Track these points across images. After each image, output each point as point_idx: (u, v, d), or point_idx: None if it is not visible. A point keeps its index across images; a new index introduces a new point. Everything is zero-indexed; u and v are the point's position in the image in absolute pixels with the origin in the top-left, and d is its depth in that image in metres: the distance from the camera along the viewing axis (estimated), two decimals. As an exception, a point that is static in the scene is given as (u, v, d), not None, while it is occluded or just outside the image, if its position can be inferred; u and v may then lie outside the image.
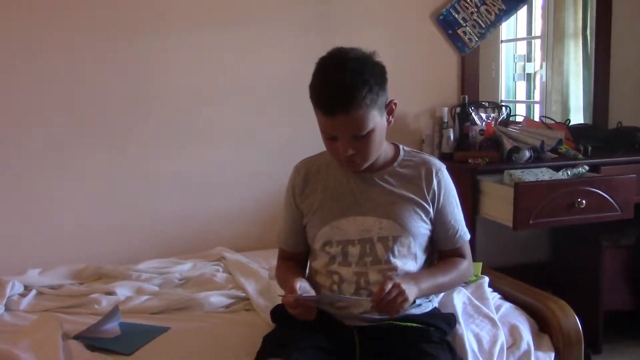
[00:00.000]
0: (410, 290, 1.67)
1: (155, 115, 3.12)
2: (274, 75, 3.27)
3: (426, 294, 1.83)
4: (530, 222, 2.86)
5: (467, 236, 1.93)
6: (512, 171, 3.04)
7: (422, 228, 1.84)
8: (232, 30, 3.17)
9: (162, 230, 3.14)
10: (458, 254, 1.91)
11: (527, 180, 2.92)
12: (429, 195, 1.83)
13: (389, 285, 1.63)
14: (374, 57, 1.73)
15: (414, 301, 1.82)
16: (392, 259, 1.80)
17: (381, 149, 1.80)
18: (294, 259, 1.98)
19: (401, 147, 1.92)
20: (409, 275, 1.78)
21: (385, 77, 1.73)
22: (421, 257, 1.86)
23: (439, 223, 1.86)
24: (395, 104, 1.78)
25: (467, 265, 1.92)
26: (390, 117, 1.78)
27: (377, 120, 1.69)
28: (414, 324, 1.81)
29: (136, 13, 3.02)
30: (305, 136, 3.21)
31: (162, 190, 3.14)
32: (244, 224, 3.29)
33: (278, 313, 1.90)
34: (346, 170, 1.85)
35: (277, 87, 3.28)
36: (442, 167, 1.89)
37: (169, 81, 3.10)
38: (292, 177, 1.94)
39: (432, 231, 1.87)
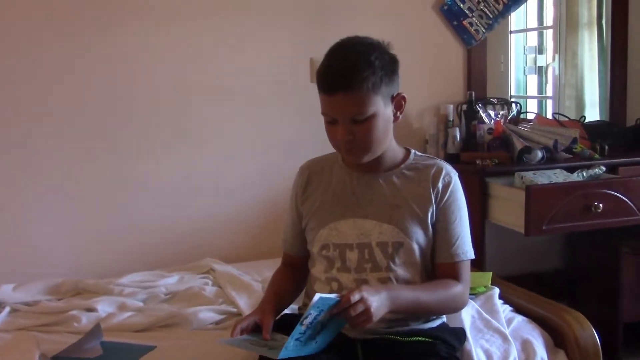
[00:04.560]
0: (380, 306, 1.64)
1: (138, 116, 3.12)
2: (268, 72, 3.28)
3: (401, 312, 1.77)
4: (543, 227, 2.86)
5: (469, 255, 1.87)
6: (523, 173, 3.04)
7: (426, 236, 1.84)
8: (223, 23, 3.18)
9: (146, 241, 3.14)
10: (453, 273, 1.84)
11: (539, 183, 2.92)
12: (433, 195, 1.83)
13: (356, 297, 1.60)
14: (388, 47, 1.80)
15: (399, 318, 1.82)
16: (392, 266, 1.81)
17: (385, 143, 1.81)
18: (296, 265, 2.00)
19: (413, 151, 1.93)
20: (386, 287, 1.75)
21: (395, 69, 1.79)
22: (425, 269, 1.86)
23: (437, 228, 1.85)
24: (404, 98, 1.82)
25: (460, 290, 1.83)
26: (399, 112, 1.82)
27: (379, 107, 1.73)
28: (421, 338, 1.81)
29: (117, 5, 3.02)
30: (303, 137, 3.28)
31: (145, 197, 3.15)
32: (235, 233, 3.30)
33: (277, 326, 1.90)
34: (350, 170, 1.88)
35: (271, 85, 3.29)
36: (454, 173, 1.89)
37: (153, 79, 3.11)
38: (296, 178, 1.99)
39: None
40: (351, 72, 1.68)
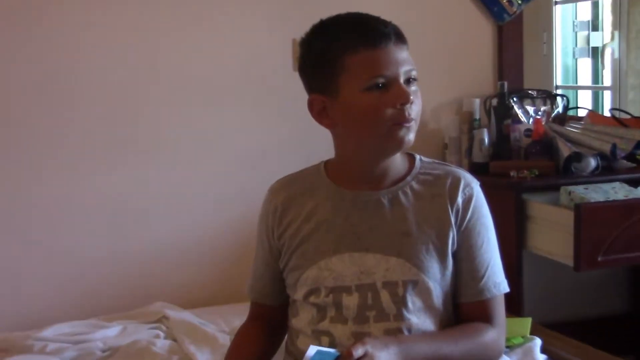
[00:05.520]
0: None
1: (68, 118, 3.14)
2: (237, 58, 3.31)
3: None
4: (599, 259, 2.87)
5: (502, 288, 1.86)
6: (571, 187, 3.03)
7: (447, 270, 1.83)
8: (177, 3, 3.23)
9: (78, 279, 3.14)
10: (483, 314, 1.83)
11: (593, 200, 2.91)
12: (452, 215, 1.83)
13: (359, 352, 1.62)
14: None
15: None
16: (404, 313, 1.79)
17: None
18: (271, 318, 1.99)
19: (417, 156, 1.93)
20: (397, 338, 1.75)
21: None
22: (446, 314, 1.85)
23: (460, 259, 1.84)
24: None
25: (494, 335, 1.83)
26: None
27: None
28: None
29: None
30: (285, 143, 3.32)
31: (79, 220, 3.15)
32: (196, 267, 3.31)
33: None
34: (341, 187, 1.87)
35: (241, 75, 3.32)
36: (474, 183, 1.89)
37: (92, 75, 3.14)
38: (266, 203, 1.96)
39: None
40: (390, 24, 1.78)
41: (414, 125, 1.78)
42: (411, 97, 1.74)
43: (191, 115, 3.28)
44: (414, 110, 1.77)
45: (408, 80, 1.76)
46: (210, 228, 3.31)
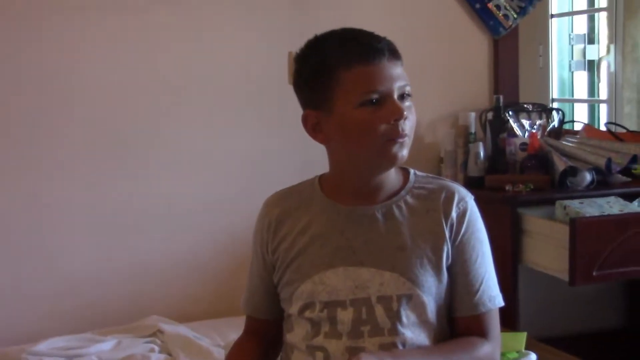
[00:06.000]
0: None
1: (58, 125, 3.14)
2: (233, 69, 3.32)
3: None
4: (594, 273, 2.87)
5: (497, 302, 1.86)
6: (567, 202, 3.04)
7: (441, 284, 1.83)
8: (174, 6, 3.24)
9: (72, 293, 3.13)
10: (478, 328, 1.83)
11: (588, 214, 2.92)
12: (446, 229, 1.83)
13: None
14: None
15: None
16: (399, 327, 1.78)
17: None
18: (267, 332, 1.97)
19: (412, 171, 1.93)
20: (391, 353, 1.75)
21: None
22: (441, 328, 1.84)
23: (455, 273, 1.83)
24: None
25: (488, 350, 1.83)
26: None
27: None
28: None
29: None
30: (280, 154, 3.31)
31: (71, 233, 3.15)
32: (191, 281, 3.30)
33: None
34: (336, 201, 1.86)
35: (237, 86, 3.33)
36: (469, 197, 1.89)
37: (88, 81, 3.15)
38: (261, 217, 1.95)
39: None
40: (384, 39, 1.79)
41: (407, 141, 1.78)
42: (405, 113, 1.74)
43: (184, 126, 3.29)
44: (408, 125, 1.76)
45: (402, 96, 1.76)
46: (203, 239, 3.31)
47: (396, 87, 1.75)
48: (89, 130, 3.17)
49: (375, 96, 1.75)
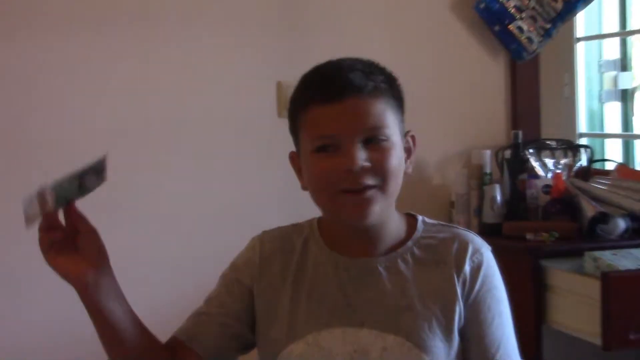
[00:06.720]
0: None
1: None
2: (216, 100, 3.34)
3: None
4: (631, 336, 2.76)
5: None
6: (597, 253, 2.93)
7: (452, 350, 1.75)
8: (150, 31, 3.27)
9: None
10: None
11: (623, 268, 2.83)
12: (459, 286, 1.77)
13: None
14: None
15: None
16: None
17: (396, 193, 1.75)
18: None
19: (420, 217, 1.87)
20: None
21: (403, 97, 1.80)
22: None
23: (468, 336, 1.77)
24: (413, 137, 1.81)
25: None
26: (408, 161, 1.80)
27: (396, 134, 1.73)
28: None
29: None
30: (269, 197, 3.35)
31: (28, 290, 3.14)
32: (170, 331, 3.14)
33: None
34: (334, 251, 1.80)
35: (221, 119, 3.34)
36: (485, 248, 1.82)
37: (46, 111, 3.18)
38: (250, 249, 1.88)
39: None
40: (363, 72, 1.71)
41: (375, 194, 1.70)
42: (360, 162, 1.66)
43: (159, 165, 3.30)
44: (375, 172, 1.69)
45: (371, 140, 1.68)
46: (181, 296, 3.04)
47: (360, 129, 1.69)
48: (46, 173, 3.08)
49: (326, 141, 1.71)
